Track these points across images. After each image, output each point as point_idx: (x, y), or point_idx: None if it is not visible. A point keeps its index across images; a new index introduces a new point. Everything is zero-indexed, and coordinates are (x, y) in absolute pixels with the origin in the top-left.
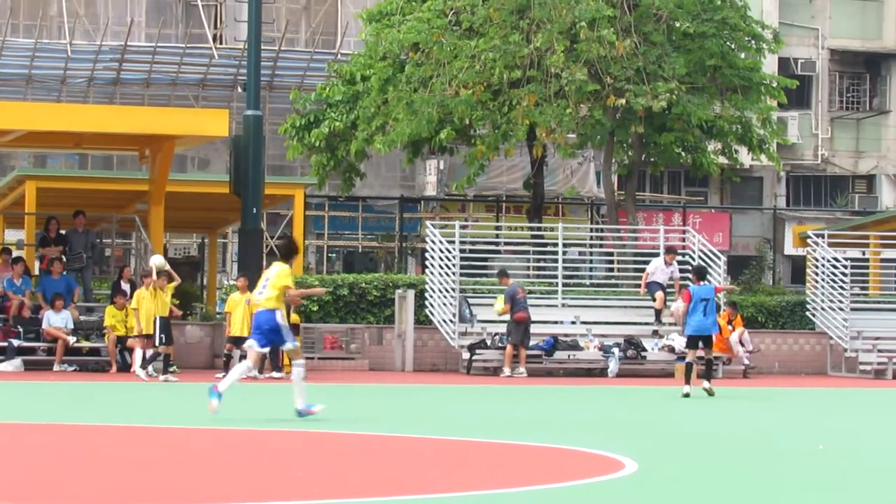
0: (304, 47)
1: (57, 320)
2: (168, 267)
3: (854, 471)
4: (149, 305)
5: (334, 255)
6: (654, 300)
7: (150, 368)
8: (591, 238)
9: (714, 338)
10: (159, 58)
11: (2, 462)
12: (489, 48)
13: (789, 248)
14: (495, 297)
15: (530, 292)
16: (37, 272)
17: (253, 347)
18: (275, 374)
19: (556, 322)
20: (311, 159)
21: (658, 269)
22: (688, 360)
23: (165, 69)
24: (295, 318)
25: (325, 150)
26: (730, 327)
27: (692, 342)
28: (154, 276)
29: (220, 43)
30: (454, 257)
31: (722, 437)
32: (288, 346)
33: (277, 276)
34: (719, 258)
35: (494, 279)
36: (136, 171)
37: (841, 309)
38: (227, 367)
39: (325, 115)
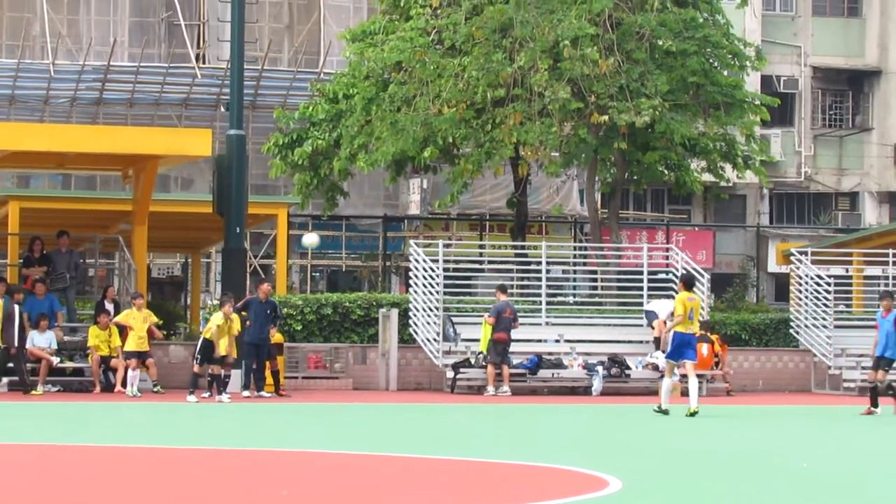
0: (287, 66)
1: (41, 341)
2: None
3: (839, 489)
4: (139, 325)
5: (318, 274)
6: (652, 328)
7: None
8: (575, 256)
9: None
10: (142, 77)
11: None
12: (472, 67)
13: (773, 266)
14: (482, 316)
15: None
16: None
17: None
18: (264, 394)
19: (539, 340)
20: (294, 178)
21: (661, 308)
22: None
23: (148, 89)
24: (279, 337)
25: (309, 168)
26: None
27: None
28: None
29: (203, 62)
30: (438, 276)
31: (706, 455)
32: None
33: None
34: (703, 276)
35: (478, 298)
36: (119, 191)
37: (825, 326)
38: (211, 388)
39: (309, 134)
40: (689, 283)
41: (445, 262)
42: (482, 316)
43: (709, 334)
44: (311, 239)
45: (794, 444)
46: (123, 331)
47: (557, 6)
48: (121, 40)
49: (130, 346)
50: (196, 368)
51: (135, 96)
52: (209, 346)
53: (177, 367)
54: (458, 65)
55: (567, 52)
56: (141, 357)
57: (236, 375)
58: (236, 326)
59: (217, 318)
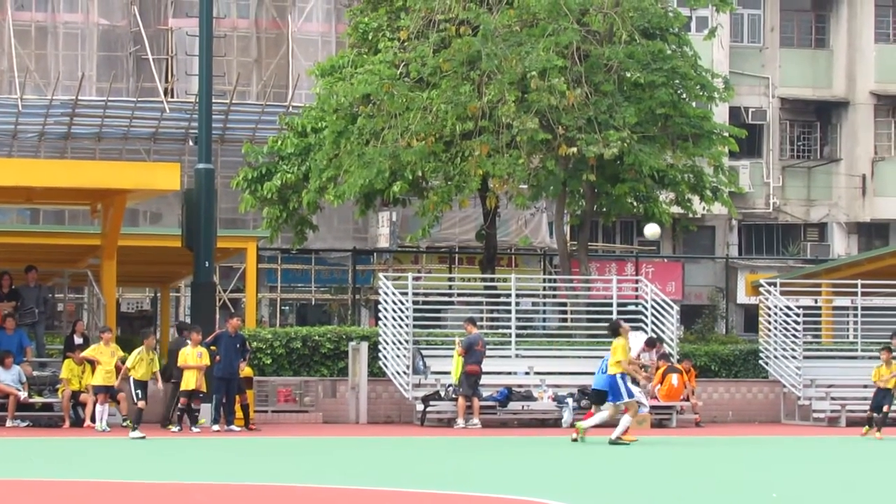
0: (256, 100)
1: (6, 377)
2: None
3: None
4: (107, 360)
5: (287, 307)
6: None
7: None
8: (544, 289)
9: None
10: (110, 112)
11: None
12: (441, 99)
13: (742, 297)
14: (452, 349)
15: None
16: None
17: None
18: (234, 428)
19: (509, 373)
20: (263, 212)
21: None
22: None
23: (117, 123)
24: (248, 371)
25: (278, 202)
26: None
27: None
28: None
29: (172, 97)
30: (407, 309)
31: (676, 487)
32: None
33: None
34: (672, 308)
35: (448, 331)
36: (87, 226)
37: (794, 357)
38: (181, 421)
39: (278, 168)
40: (651, 343)
41: (415, 294)
42: (452, 348)
43: (677, 365)
44: (653, 229)
45: (764, 475)
46: (92, 365)
47: (525, 39)
48: (89, 75)
49: (98, 380)
50: (140, 404)
51: (103, 131)
52: (139, 382)
53: (148, 401)
54: (427, 98)
55: (535, 84)
56: (109, 391)
57: (206, 409)
58: (205, 360)
59: (136, 354)
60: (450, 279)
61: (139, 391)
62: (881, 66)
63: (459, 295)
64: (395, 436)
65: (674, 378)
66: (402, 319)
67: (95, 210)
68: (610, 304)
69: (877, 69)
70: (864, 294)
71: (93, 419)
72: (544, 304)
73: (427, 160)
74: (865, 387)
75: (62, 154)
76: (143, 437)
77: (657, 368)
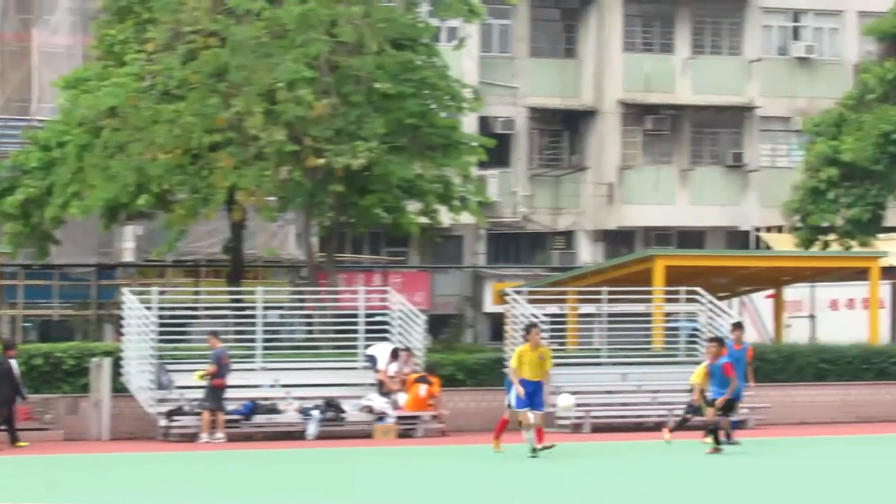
0: None
1: None
2: None
3: None
4: None
5: (29, 324)
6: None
7: None
8: (292, 301)
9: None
10: None
11: None
12: (188, 112)
13: (489, 306)
14: (197, 363)
15: (230, 357)
16: None
17: None
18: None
19: (255, 386)
20: (4, 227)
21: (380, 352)
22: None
23: None
24: None
25: (20, 217)
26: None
27: None
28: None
29: None
30: (151, 324)
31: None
32: None
33: None
34: (419, 317)
35: (193, 345)
36: None
37: None
38: None
39: (21, 183)
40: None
41: (160, 309)
42: (198, 363)
43: (428, 376)
44: (566, 401)
45: (504, 483)
46: None
47: (274, 50)
48: None
49: None
50: None
51: None
52: None
53: None
54: (174, 110)
55: (282, 95)
56: None
57: None
58: None
59: None
60: (196, 293)
61: None
62: (629, 76)
63: (206, 308)
64: (138, 451)
65: (421, 388)
66: (146, 334)
67: None
68: (357, 316)
69: (624, 78)
70: (610, 301)
71: None
72: (291, 316)
73: (173, 173)
74: (610, 392)
75: None
76: None
77: (406, 377)
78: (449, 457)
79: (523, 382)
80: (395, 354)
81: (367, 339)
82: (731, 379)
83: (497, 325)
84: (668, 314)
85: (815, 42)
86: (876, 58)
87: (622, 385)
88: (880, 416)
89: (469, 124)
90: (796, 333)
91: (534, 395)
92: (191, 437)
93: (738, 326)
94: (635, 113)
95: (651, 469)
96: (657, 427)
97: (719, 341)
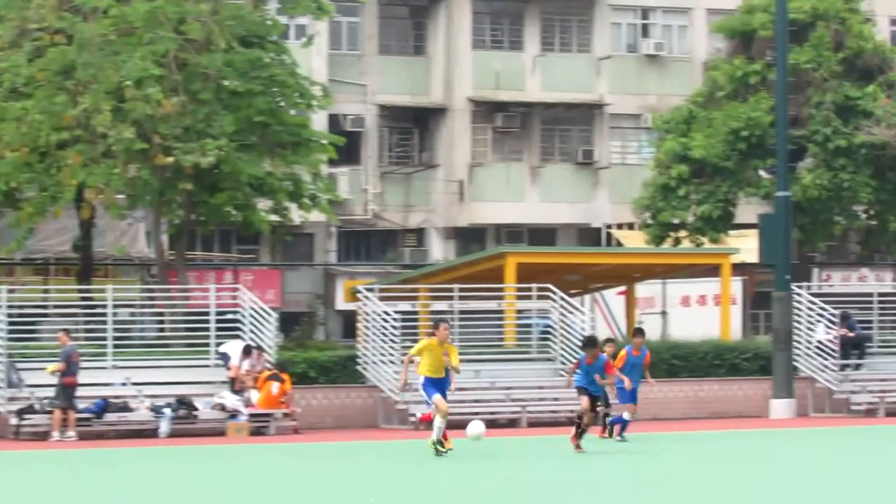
0: None
1: None
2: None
3: None
4: None
5: None
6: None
7: None
8: (142, 299)
9: None
10: None
11: None
12: (35, 109)
13: (341, 304)
14: (47, 361)
15: (81, 355)
16: None
17: None
18: None
19: (106, 384)
20: None
21: (233, 349)
22: None
23: None
24: None
25: None
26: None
27: None
28: None
29: None
30: (0, 322)
31: (271, 492)
32: None
33: None
34: (271, 315)
35: (43, 343)
36: None
37: (392, 362)
38: None
39: None
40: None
41: (9, 307)
42: (47, 361)
43: (280, 374)
44: (476, 429)
45: (357, 480)
46: None
47: (122, 48)
48: None
49: None
50: None
51: None
52: None
53: None
54: (21, 108)
55: (131, 93)
56: None
57: None
58: None
59: None
60: (45, 291)
61: None
62: (478, 73)
63: (56, 307)
64: None
65: (273, 386)
66: None
67: None
68: (208, 314)
69: (474, 76)
70: (461, 298)
71: None
72: (142, 314)
73: (21, 171)
74: (463, 390)
75: None
76: None
77: (259, 374)
78: (301, 454)
79: (427, 380)
80: (247, 352)
81: (219, 337)
82: (609, 377)
83: (349, 322)
84: (519, 311)
85: (665, 39)
86: (725, 55)
87: (475, 382)
88: (732, 412)
89: (319, 122)
90: (648, 330)
91: (436, 388)
92: (42, 436)
93: (638, 332)
94: (485, 110)
95: (501, 465)
96: (511, 424)
97: (641, 332)
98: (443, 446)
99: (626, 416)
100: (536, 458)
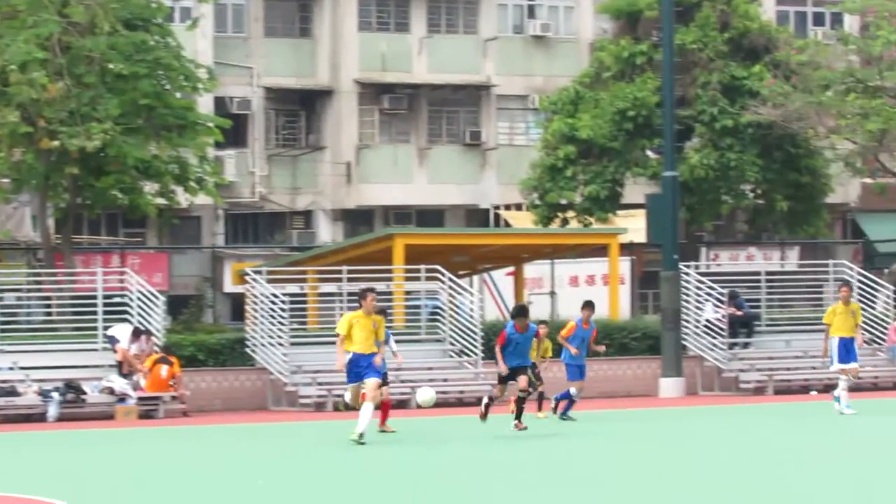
0: None
1: None
2: None
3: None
4: None
5: None
6: (115, 352)
7: None
8: (29, 283)
9: None
10: None
11: None
12: None
13: (229, 286)
14: None
15: None
16: None
17: None
18: None
19: None
20: None
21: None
22: None
23: None
24: None
25: None
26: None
27: None
28: None
29: None
30: None
31: (157, 476)
32: None
33: None
34: (158, 298)
35: None
36: None
37: (280, 344)
38: None
39: None
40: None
41: None
42: None
43: (168, 357)
44: (426, 395)
45: (247, 463)
46: None
47: (5, 31)
48: None
49: None
50: None
51: None
52: None
53: None
54: None
55: (15, 77)
56: None
57: None
58: None
59: None
60: None
61: None
62: (364, 55)
63: None
64: None
65: (162, 369)
66: None
67: None
68: (95, 297)
69: (360, 58)
70: (350, 280)
71: None
72: (29, 298)
73: None
74: None
75: None
76: None
77: (147, 357)
78: (190, 437)
79: (355, 357)
80: (136, 335)
81: (106, 320)
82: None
83: (237, 305)
84: (408, 293)
85: (551, 20)
86: (611, 36)
87: None
88: (622, 391)
89: (205, 105)
90: (537, 310)
91: (368, 367)
92: None
93: (588, 305)
94: (372, 92)
95: (390, 447)
96: (400, 405)
97: (591, 305)
98: (361, 438)
99: (572, 391)
100: (423, 439)
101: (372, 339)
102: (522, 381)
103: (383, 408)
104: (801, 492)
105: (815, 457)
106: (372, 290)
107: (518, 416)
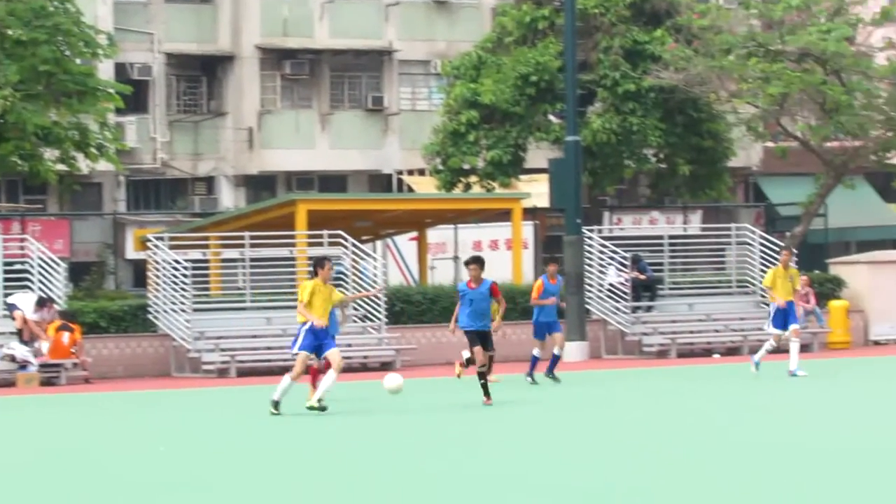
0: None
1: None
2: None
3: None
4: None
5: None
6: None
7: None
8: None
9: None
10: None
11: None
12: None
13: (131, 253)
14: None
15: None
16: None
17: None
18: None
19: None
20: None
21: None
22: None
23: None
24: None
25: None
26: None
27: None
28: None
29: None
30: None
31: (63, 443)
32: None
33: None
34: (60, 265)
35: None
36: None
37: (183, 311)
38: None
39: None
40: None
41: None
42: None
43: (70, 324)
44: (393, 382)
45: (149, 429)
46: None
47: None
48: None
49: None
50: None
51: None
52: None
53: None
54: None
55: None
56: None
57: None
58: None
59: None
60: None
61: None
62: (266, 20)
63: None
64: None
65: (64, 336)
66: None
67: None
68: None
69: (262, 23)
70: (252, 246)
71: None
72: None
73: None
74: (255, 337)
75: None
76: None
77: (49, 325)
78: (93, 404)
79: (312, 328)
80: (41, 303)
81: (7, 287)
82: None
83: (139, 271)
84: (311, 258)
85: None
86: (513, 1)
87: (267, 329)
88: (525, 355)
89: (105, 71)
90: (441, 275)
91: (327, 337)
92: None
93: (554, 260)
94: (273, 58)
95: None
96: (306, 372)
97: (556, 260)
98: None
99: (556, 351)
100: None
101: (329, 307)
102: (479, 355)
103: (312, 372)
104: (708, 450)
105: (720, 417)
106: (327, 258)
107: (486, 394)
